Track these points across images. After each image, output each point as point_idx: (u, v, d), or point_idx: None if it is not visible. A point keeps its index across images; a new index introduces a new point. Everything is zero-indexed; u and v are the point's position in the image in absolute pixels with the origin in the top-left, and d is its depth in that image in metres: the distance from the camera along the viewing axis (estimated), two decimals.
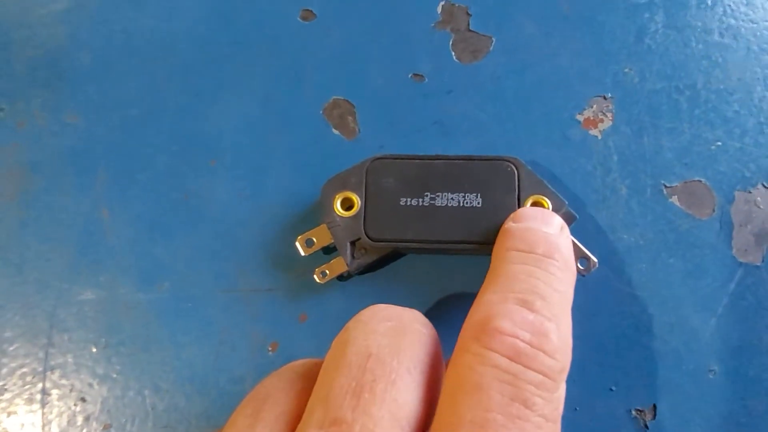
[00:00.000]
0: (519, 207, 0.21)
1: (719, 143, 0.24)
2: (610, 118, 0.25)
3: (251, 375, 0.22)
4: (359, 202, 0.21)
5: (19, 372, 0.23)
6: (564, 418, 0.21)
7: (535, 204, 0.21)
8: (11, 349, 0.23)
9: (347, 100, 0.25)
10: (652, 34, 0.26)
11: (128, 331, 0.23)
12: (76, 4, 0.27)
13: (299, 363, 0.17)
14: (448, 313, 0.23)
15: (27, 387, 0.23)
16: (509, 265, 0.17)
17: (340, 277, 0.23)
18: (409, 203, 0.21)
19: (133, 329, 0.23)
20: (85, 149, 0.25)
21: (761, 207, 0.23)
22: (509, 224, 0.19)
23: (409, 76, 0.26)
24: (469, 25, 0.26)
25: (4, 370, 0.23)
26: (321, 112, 0.25)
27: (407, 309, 0.17)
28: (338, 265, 0.22)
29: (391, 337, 0.15)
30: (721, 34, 0.26)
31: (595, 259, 0.21)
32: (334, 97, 0.25)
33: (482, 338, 0.14)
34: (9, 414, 0.22)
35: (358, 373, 0.14)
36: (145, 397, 0.22)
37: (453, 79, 0.25)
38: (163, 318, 0.23)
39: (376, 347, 0.14)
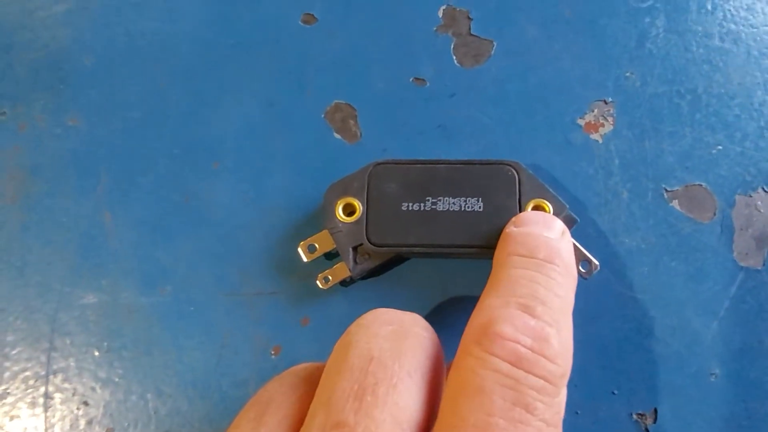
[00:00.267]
0: (520, 211, 0.21)
1: (720, 147, 0.24)
2: (611, 122, 0.25)
3: (254, 379, 0.22)
4: (361, 208, 0.22)
5: (21, 376, 0.23)
6: (565, 421, 0.21)
7: (536, 208, 0.21)
8: (13, 352, 0.23)
9: (349, 104, 0.25)
10: (654, 39, 0.26)
11: (130, 335, 0.23)
12: (78, 7, 0.27)
13: (301, 367, 0.17)
14: (451, 316, 0.23)
15: (29, 391, 0.23)
16: (510, 270, 0.17)
17: (343, 283, 0.23)
18: (410, 208, 0.21)
19: (135, 333, 0.23)
20: (87, 152, 0.25)
21: (762, 211, 0.23)
22: (510, 228, 0.19)
23: (411, 80, 0.26)
24: (470, 29, 0.26)
25: (7, 374, 0.23)
26: (323, 115, 0.25)
27: (408, 313, 0.17)
28: (341, 270, 0.22)
29: (393, 340, 0.15)
30: (721, 39, 0.26)
31: (597, 262, 0.21)
32: (336, 100, 0.25)
33: (484, 342, 0.15)
34: (12, 418, 0.22)
35: (360, 377, 0.14)
36: (147, 401, 0.22)
37: (455, 83, 0.25)
38: (165, 322, 0.23)
39: (378, 351, 0.14)
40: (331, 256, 0.23)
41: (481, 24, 0.26)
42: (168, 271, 0.24)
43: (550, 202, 0.21)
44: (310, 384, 0.15)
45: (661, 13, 0.26)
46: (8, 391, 0.23)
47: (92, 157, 0.25)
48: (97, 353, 0.23)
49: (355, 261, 0.22)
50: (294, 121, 0.25)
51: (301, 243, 0.22)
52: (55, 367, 0.23)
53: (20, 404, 0.22)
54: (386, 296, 0.23)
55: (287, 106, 0.25)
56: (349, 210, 0.22)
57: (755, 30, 0.26)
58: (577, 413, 0.22)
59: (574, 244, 0.21)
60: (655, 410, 0.21)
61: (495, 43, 0.26)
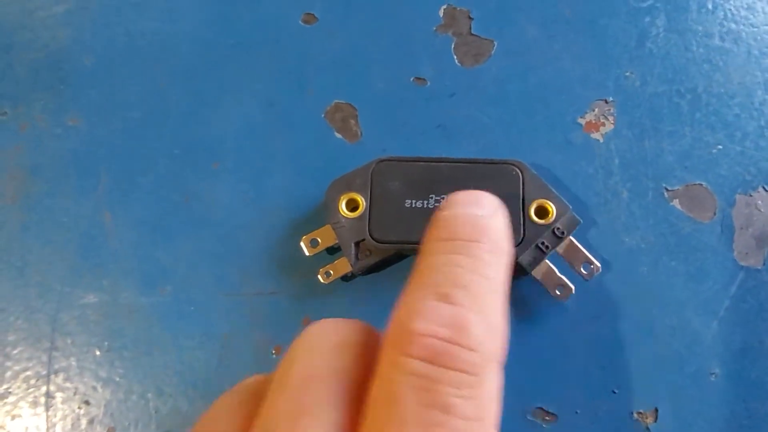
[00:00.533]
0: (523, 212, 0.21)
1: (720, 147, 0.24)
2: (612, 121, 0.25)
3: None
4: (364, 204, 0.22)
5: (23, 375, 0.23)
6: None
7: (539, 208, 0.21)
8: (15, 352, 0.23)
9: (349, 104, 0.25)
10: (654, 38, 0.26)
11: (131, 335, 0.23)
12: (78, 7, 0.27)
13: (252, 381, 0.16)
14: None
15: (31, 390, 0.23)
16: (429, 258, 0.15)
17: (344, 278, 0.23)
18: (413, 205, 0.21)
19: (135, 333, 0.23)
20: (87, 152, 0.25)
21: (762, 210, 0.23)
22: (436, 213, 0.17)
23: (411, 79, 0.26)
24: (471, 29, 0.26)
25: (8, 374, 0.23)
26: (323, 115, 0.25)
27: (351, 322, 0.16)
28: (342, 265, 0.22)
29: (334, 356, 0.14)
30: (721, 38, 0.26)
31: (598, 264, 0.21)
32: (336, 100, 0.25)
33: (398, 344, 0.14)
34: (13, 417, 0.22)
35: (299, 395, 0.14)
36: (148, 401, 0.22)
37: (455, 82, 0.25)
38: (166, 321, 0.23)
39: (318, 368, 0.14)
40: (333, 251, 0.23)
41: (481, 24, 0.26)
42: (168, 270, 0.24)
43: (553, 203, 0.21)
44: (259, 399, 0.15)
45: (662, 13, 0.26)
46: (10, 390, 0.23)
47: (92, 157, 0.25)
48: (98, 353, 0.23)
49: (356, 256, 0.22)
50: (294, 121, 0.25)
51: (304, 237, 0.22)
52: (56, 366, 0.23)
53: (22, 404, 0.22)
54: (386, 294, 0.23)
55: (287, 105, 0.26)
56: (352, 205, 0.22)
57: (755, 29, 0.26)
58: (577, 413, 0.22)
59: (577, 246, 0.21)
60: (656, 409, 0.22)
61: (495, 43, 0.26)
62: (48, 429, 0.22)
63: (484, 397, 0.13)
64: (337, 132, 0.25)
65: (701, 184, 0.24)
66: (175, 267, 0.24)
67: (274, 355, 0.23)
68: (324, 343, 0.15)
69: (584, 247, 0.22)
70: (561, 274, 0.21)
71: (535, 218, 0.21)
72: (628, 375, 0.22)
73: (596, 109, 0.25)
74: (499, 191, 0.20)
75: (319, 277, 0.22)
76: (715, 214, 0.23)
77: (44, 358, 0.23)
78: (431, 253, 0.16)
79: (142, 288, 0.24)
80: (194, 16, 0.27)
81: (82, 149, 0.25)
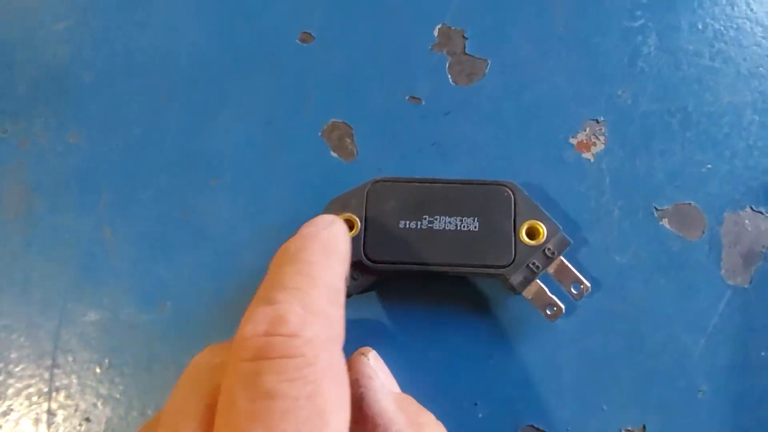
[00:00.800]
0: (515, 232, 0.21)
1: (710, 166, 0.25)
2: (603, 141, 0.25)
3: None
4: (359, 224, 0.22)
5: (25, 392, 0.23)
6: None
7: (530, 229, 0.22)
8: (17, 369, 0.23)
9: (345, 123, 0.26)
10: (645, 57, 0.26)
11: (131, 352, 0.23)
12: (78, 24, 0.28)
13: (205, 363, 0.17)
14: (443, 331, 0.23)
15: (33, 407, 0.23)
16: (266, 277, 0.17)
17: None
18: (408, 226, 0.22)
19: (135, 349, 0.23)
20: (88, 169, 0.26)
21: (749, 229, 0.24)
22: None
23: (407, 98, 0.26)
24: (465, 48, 0.27)
25: (11, 391, 0.23)
26: (320, 133, 0.26)
27: (213, 348, 0.17)
28: None
29: (193, 386, 0.16)
30: (711, 58, 0.26)
31: (588, 284, 0.22)
32: (333, 119, 0.26)
33: (233, 353, 0.15)
34: None
35: (168, 426, 0.15)
36: (148, 418, 0.23)
37: (450, 101, 0.26)
38: (166, 338, 0.23)
39: (172, 404, 0.16)
40: None
41: (475, 43, 0.27)
42: (168, 287, 0.24)
43: (544, 224, 0.22)
44: (217, 380, 0.16)
45: (653, 32, 0.26)
46: (12, 407, 0.23)
47: (93, 174, 0.26)
48: (98, 370, 0.23)
49: (352, 277, 0.22)
50: (291, 139, 0.26)
51: None
52: (57, 383, 0.23)
53: (24, 420, 0.23)
54: (383, 311, 0.23)
55: (285, 123, 0.26)
56: (348, 226, 0.22)
57: (745, 49, 0.26)
58: (567, 430, 0.22)
59: (567, 266, 0.22)
60: (644, 426, 0.22)
61: (489, 62, 0.26)
62: None
63: (312, 375, 0.14)
64: (333, 151, 0.25)
65: (690, 204, 0.24)
66: (174, 283, 0.24)
67: None
68: (186, 376, 0.16)
69: (575, 266, 0.22)
70: (551, 294, 0.22)
71: (526, 239, 0.21)
72: (617, 392, 0.22)
73: (588, 129, 0.25)
74: (491, 212, 0.22)
75: None
76: (703, 232, 0.24)
77: (46, 375, 0.23)
78: (268, 271, 0.17)
79: (142, 304, 0.24)
80: (193, 33, 0.27)
81: (82, 165, 0.26)
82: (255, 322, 0.15)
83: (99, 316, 0.24)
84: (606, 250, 0.24)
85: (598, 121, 0.25)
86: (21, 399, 0.23)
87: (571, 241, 0.22)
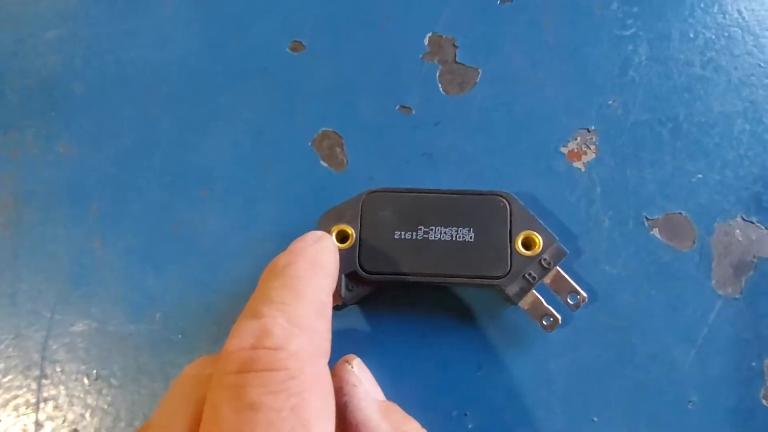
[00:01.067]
0: (511, 242, 0.21)
1: (700, 175, 0.25)
2: (594, 150, 0.25)
3: None
4: (354, 235, 0.22)
5: (12, 404, 0.23)
6: None
7: (525, 240, 0.21)
8: (5, 380, 0.23)
9: (336, 132, 0.26)
10: (636, 66, 0.26)
11: (119, 363, 0.23)
12: (69, 34, 0.28)
13: (193, 375, 0.17)
14: (434, 341, 0.23)
15: (21, 418, 0.23)
16: (254, 291, 0.17)
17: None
18: (403, 236, 0.22)
19: (124, 361, 0.23)
20: (79, 179, 0.26)
21: (740, 239, 0.24)
22: None
23: (397, 107, 0.26)
24: (456, 56, 0.27)
25: None
26: (310, 143, 0.26)
27: (201, 360, 0.17)
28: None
29: (179, 399, 0.16)
30: (702, 67, 0.26)
31: (585, 294, 0.21)
32: (323, 128, 0.26)
33: (218, 367, 0.15)
34: None
35: None
36: (135, 430, 0.23)
37: (440, 110, 0.26)
38: (154, 350, 0.23)
39: (164, 415, 0.16)
40: None
41: (466, 51, 0.27)
42: (157, 298, 0.24)
43: (540, 234, 0.21)
44: (203, 390, 0.16)
45: (644, 41, 0.26)
46: None
47: (83, 185, 0.26)
48: (86, 381, 0.23)
49: (348, 288, 0.22)
50: (282, 149, 0.26)
51: None
52: (45, 394, 0.23)
53: (11, 431, 0.23)
54: (376, 321, 0.23)
55: (275, 133, 0.26)
56: (342, 236, 0.22)
57: (736, 58, 0.26)
58: None
59: (563, 276, 0.21)
60: None
61: (480, 71, 0.26)
62: None
63: (296, 388, 0.14)
64: (323, 160, 0.25)
65: (681, 213, 0.24)
66: (163, 294, 0.24)
67: None
68: (175, 387, 0.17)
69: (571, 276, 0.22)
70: (548, 304, 0.21)
71: (522, 249, 0.21)
72: (607, 403, 0.22)
73: (578, 138, 0.25)
74: (487, 223, 0.22)
75: None
76: (694, 242, 0.24)
77: (34, 385, 0.23)
78: (256, 286, 0.18)
79: (130, 316, 0.24)
80: (184, 44, 0.27)
81: (73, 176, 0.26)
82: (240, 336, 0.15)
83: (87, 326, 0.24)
84: (596, 261, 0.24)
85: (589, 130, 0.25)
86: (8, 410, 0.23)
87: (567, 252, 0.22)
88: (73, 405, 0.23)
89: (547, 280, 0.22)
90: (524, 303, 0.21)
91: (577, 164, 0.25)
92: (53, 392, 0.23)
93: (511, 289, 0.21)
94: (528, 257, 0.21)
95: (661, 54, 0.26)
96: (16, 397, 0.23)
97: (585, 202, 0.24)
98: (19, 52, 0.28)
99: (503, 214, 0.22)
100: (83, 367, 0.23)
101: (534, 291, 0.21)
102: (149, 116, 0.26)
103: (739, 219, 0.24)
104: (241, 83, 0.27)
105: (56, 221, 0.25)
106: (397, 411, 0.19)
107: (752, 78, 0.26)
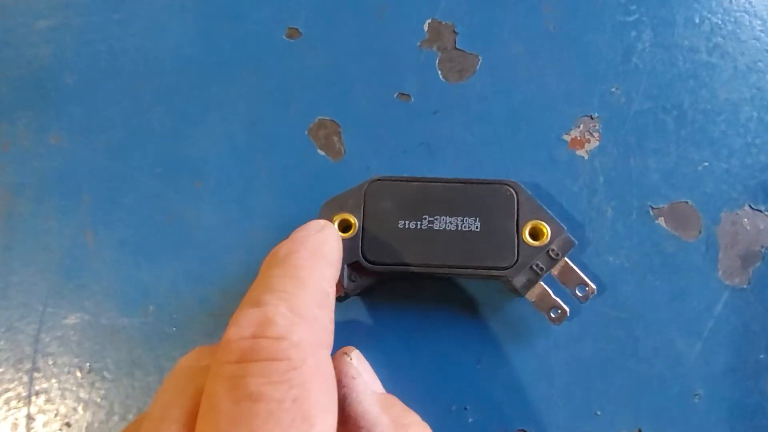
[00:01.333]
0: (518, 233, 0.21)
1: (706, 164, 0.24)
2: (597, 138, 0.24)
3: None
4: (357, 225, 0.21)
5: (3, 397, 0.23)
6: None
7: (533, 230, 0.21)
8: None
9: (333, 120, 0.25)
10: (640, 53, 0.26)
11: (112, 356, 0.23)
12: (61, 23, 0.27)
13: (188, 365, 0.17)
14: (434, 333, 0.23)
15: (12, 412, 0.23)
16: (255, 281, 0.17)
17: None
18: (407, 226, 0.21)
19: (117, 354, 0.23)
20: (70, 171, 0.25)
21: (747, 228, 0.23)
22: None
23: (395, 95, 0.25)
24: (455, 43, 0.26)
25: None
26: (306, 132, 0.25)
27: (198, 350, 0.17)
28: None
29: (176, 391, 0.16)
30: (708, 53, 0.25)
31: (594, 286, 0.21)
32: (320, 117, 0.25)
33: (217, 356, 0.15)
34: None
35: (153, 428, 0.15)
36: (129, 423, 0.22)
37: (439, 98, 0.25)
38: (148, 343, 0.23)
39: (154, 408, 0.15)
40: None
41: (466, 38, 0.26)
42: (150, 291, 0.24)
43: (548, 224, 0.21)
44: (201, 383, 0.16)
45: (648, 27, 0.26)
46: None
47: (75, 176, 0.25)
48: (79, 374, 0.23)
49: (350, 278, 0.21)
50: (277, 139, 0.25)
51: None
52: (37, 388, 0.23)
53: (2, 425, 0.22)
54: (379, 313, 0.23)
55: (270, 123, 0.25)
56: (345, 226, 0.22)
57: (743, 44, 0.26)
58: None
59: (572, 268, 0.21)
60: (639, 431, 0.21)
61: (480, 58, 0.26)
62: None
63: (298, 379, 0.14)
64: (320, 149, 0.25)
65: (686, 202, 0.24)
66: (157, 287, 0.24)
67: None
68: (171, 379, 0.16)
69: (579, 267, 0.21)
70: (555, 296, 0.21)
71: (529, 240, 0.21)
72: (611, 397, 0.22)
73: (581, 126, 0.25)
74: (494, 212, 0.21)
75: None
76: (700, 232, 0.23)
77: (25, 379, 0.23)
78: (257, 276, 0.17)
79: (124, 308, 0.23)
80: (177, 33, 0.27)
81: (65, 168, 0.25)
82: (241, 325, 0.15)
83: (80, 319, 0.23)
84: (599, 251, 0.23)
85: (592, 117, 0.25)
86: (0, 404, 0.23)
87: (576, 242, 0.21)
88: (65, 398, 0.23)
89: (554, 271, 0.21)
90: (531, 295, 0.21)
91: (580, 152, 0.24)
92: (45, 385, 0.23)
93: (518, 281, 0.21)
94: (535, 248, 0.21)
95: (665, 40, 0.26)
96: (7, 390, 0.23)
97: (588, 192, 0.24)
98: (9, 42, 0.27)
99: (510, 204, 0.21)
100: (76, 360, 0.23)
101: (541, 282, 0.21)
102: (142, 107, 0.26)
103: (746, 208, 0.23)
104: (236, 72, 0.26)
105: (48, 213, 0.25)
106: (396, 403, 0.19)
107: (759, 64, 0.25)
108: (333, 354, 0.20)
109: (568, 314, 0.21)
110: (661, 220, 0.23)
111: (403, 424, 0.18)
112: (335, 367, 0.19)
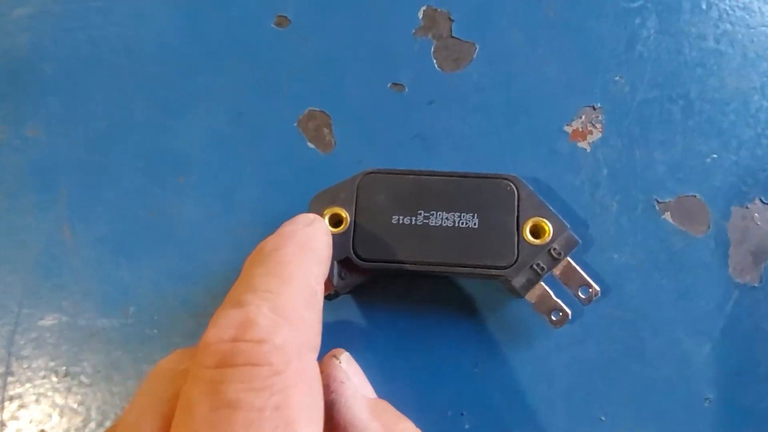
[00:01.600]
0: (518, 230, 0.20)
1: (714, 156, 0.23)
2: (600, 129, 0.23)
3: None
4: (348, 219, 0.20)
5: None
6: None
7: (534, 227, 0.20)
8: None
9: (323, 111, 0.24)
10: (644, 41, 0.24)
11: (90, 360, 0.22)
12: (40, 11, 0.26)
13: (168, 369, 0.16)
14: (429, 334, 0.22)
15: None
16: (238, 279, 0.16)
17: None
18: (401, 221, 0.20)
19: (95, 357, 0.22)
20: (48, 165, 0.24)
21: (759, 223, 0.22)
22: None
23: (389, 85, 0.24)
24: (451, 31, 0.25)
25: None
26: (295, 124, 0.24)
27: (177, 353, 0.16)
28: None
29: (152, 394, 0.15)
30: (716, 40, 0.24)
31: (597, 288, 0.20)
32: (310, 108, 0.24)
33: (195, 359, 0.14)
34: None
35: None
36: (106, 429, 0.21)
37: (434, 88, 0.24)
38: (128, 345, 0.22)
39: (138, 409, 0.15)
40: None
41: (462, 26, 0.25)
42: (131, 291, 0.22)
43: (550, 222, 0.20)
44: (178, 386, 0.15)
45: (652, 14, 0.25)
46: None
47: (53, 170, 0.24)
48: (55, 378, 0.22)
49: (340, 275, 0.21)
50: (265, 131, 0.24)
51: None
52: (11, 393, 0.22)
53: None
54: (371, 313, 0.22)
55: (257, 114, 0.24)
56: (336, 220, 0.21)
57: (752, 30, 0.24)
58: None
59: (574, 267, 0.20)
60: None
61: (477, 47, 0.25)
62: None
63: (280, 384, 0.13)
64: (310, 141, 0.24)
65: (694, 196, 0.23)
66: (138, 287, 0.23)
67: None
68: (148, 383, 0.15)
69: (582, 268, 0.20)
70: (557, 297, 0.20)
71: (529, 238, 0.20)
72: (615, 401, 0.21)
73: (583, 116, 0.24)
74: (493, 208, 0.20)
75: None
76: (709, 227, 0.22)
77: None
78: (241, 273, 0.16)
79: (103, 309, 0.22)
80: (161, 21, 0.26)
81: (42, 162, 0.24)
82: (221, 327, 0.14)
83: (57, 320, 0.22)
84: (603, 248, 0.22)
85: (594, 108, 0.24)
86: None
87: (579, 241, 0.20)
88: (40, 404, 0.21)
89: (556, 271, 0.20)
90: (531, 296, 0.20)
91: (582, 144, 0.23)
92: (19, 390, 0.22)
93: (518, 281, 0.20)
94: (536, 246, 0.20)
95: (671, 27, 0.25)
96: None
97: (590, 185, 0.23)
98: None
99: (510, 199, 0.20)
100: (52, 364, 0.22)
101: (542, 283, 0.20)
102: (123, 97, 0.25)
103: (757, 202, 0.22)
104: (222, 61, 0.25)
105: (24, 209, 0.24)
106: (388, 409, 0.18)
107: None
108: (321, 356, 0.19)
109: (570, 317, 0.20)
110: (667, 215, 0.22)
111: (395, 431, 0.17)
112: (323, 371, 0.18)
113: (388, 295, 0.22)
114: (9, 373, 0.22)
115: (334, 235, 0.20)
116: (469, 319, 0.22)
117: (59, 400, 0.22)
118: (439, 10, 0.25)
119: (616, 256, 0.22)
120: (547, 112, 0.24)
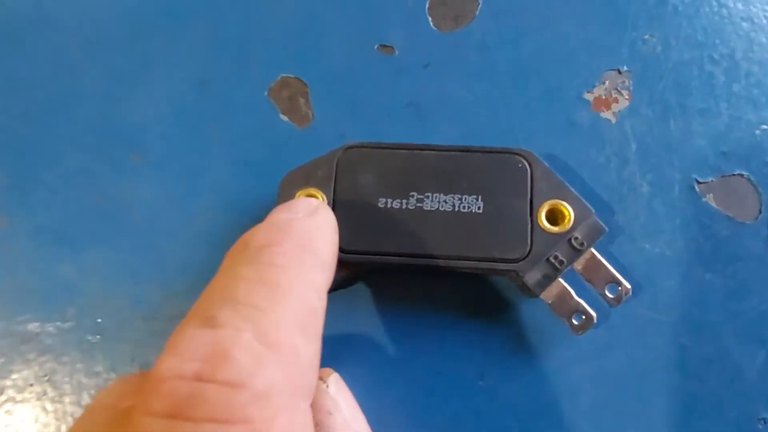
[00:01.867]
0: (532, 216, 0.18)
1: (764, 127, 0.21)
2: (627, 96, 0.21)
3: None
4: (327, 202, 0.19)
5: None
6: None
7: (551, 211, 0.18)
8: None
9: (299, 79, 0.22)
10: None
11: (20, 371, 0.20)
12: None
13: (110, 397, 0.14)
14: (429, 343, 0.20)
15: None
16: (213, 278, 0.13)
17: None
18: (390, 205, 0.18)
19: (26, 368, 0.20)
20: None
21: None
22: None
23: (376, 47, 0.22)
24: None
25: None
26: (266, 93, 0.22)
27: (119, 381, 0.14)
28: None
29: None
30: None
31: (628, 286, 0.18)
32: (283, 74, 0.22)
33: (141, 396, 0.11)
34: None
35: None
36: None
37: (430, 50, 0.22)
38: (65, 355, 0.20)
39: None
40: None
41: None
42: (73, 289, 0.20)
43: (570, 205, 0.18)
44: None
45: None
46: None
47: None
48: None
49: None
50: (231, 102, 0.22)
51: None
52: None
53: None
54: (352, 315, 0.20)
55: (224, 82, 0.22)
56: None
57: None
58: None
59: (601, 262, 0.18)
60: None
61: (480, 1, 0.22)
62: None
63: None
64: (283, 114, 0.22)
65: (741, 175, 0.20)
66: (81, 284, 0.21)
67: None
68: (81, 425, 0.13)
69: (610, 261, 0.18)
70: (579, 297, 0.18)
71: (546, 224, 0.18)
72: (648, 421, 0.18)
73: (607, 82, 0.21)
74: (501, 189, 0.19)
75: None
76: (760, 212, 0.20)
77: None
78: (217, 273, 0.13)
79: (38, 311, 0.20)
80: None
81: None
82: (180, 354, 0.11)
83: None
84: (632, 237, 0.20)
85: (620, 72, 0.22)
86: None
87: (606, 229, 0.18)
88: None
89: (578, 265, 0.18)
90: (548, 295, 0.18)
91: (606, 115, 0.21)
92: None
93: (531, 277, 0.18)
94: (554, 235, 0.18)
95: None
96: None
97: (617, 163, 0.21)
98: None
99: (522, 179, 0.18)
100: None
101: (561, 280, 0.18)
102: (69, 64, 0.23)
103: None
104: (183, 21, 0.23)
105: None
106: None
107: None
108: None
109: (595, 321, 0.18)
110: (709, 197, 0.20)
111: None
112: None
113: (376, 295, 0.20)
114: None
115: None
116: (473, 323, 0.20)
117: None
118: None
119: (648, 247, 0.20)
120: (563, 76, 0.22)
